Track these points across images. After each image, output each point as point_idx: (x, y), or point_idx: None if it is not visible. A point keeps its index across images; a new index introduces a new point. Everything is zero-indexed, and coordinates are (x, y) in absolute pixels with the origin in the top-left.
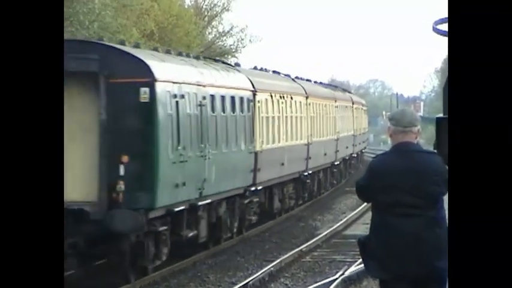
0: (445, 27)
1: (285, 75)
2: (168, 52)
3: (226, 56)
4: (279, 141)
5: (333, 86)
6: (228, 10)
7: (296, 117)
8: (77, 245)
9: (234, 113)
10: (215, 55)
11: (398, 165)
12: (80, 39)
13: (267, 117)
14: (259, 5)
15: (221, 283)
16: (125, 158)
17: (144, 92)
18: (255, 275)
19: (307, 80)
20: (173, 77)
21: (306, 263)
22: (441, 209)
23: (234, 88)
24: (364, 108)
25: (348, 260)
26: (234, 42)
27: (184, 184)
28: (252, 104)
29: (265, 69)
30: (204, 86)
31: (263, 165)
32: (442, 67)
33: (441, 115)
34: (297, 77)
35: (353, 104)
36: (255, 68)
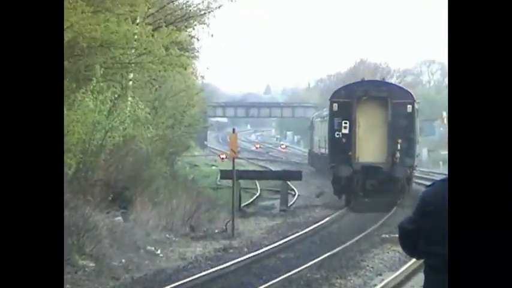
0: None
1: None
2: None
3: (191, 21)
4: None
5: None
6: None
7: None
8: (374, 184)
9: None
10: (175, 19)
11: None
12: (377, 79)
13: None
14: None
15: None
16: (400, 140)
17: (409, 107)
18: None
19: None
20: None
21: None
22: None
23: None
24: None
25: None
26: (203, 1)
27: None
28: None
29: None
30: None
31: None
32: None
33: None
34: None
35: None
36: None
